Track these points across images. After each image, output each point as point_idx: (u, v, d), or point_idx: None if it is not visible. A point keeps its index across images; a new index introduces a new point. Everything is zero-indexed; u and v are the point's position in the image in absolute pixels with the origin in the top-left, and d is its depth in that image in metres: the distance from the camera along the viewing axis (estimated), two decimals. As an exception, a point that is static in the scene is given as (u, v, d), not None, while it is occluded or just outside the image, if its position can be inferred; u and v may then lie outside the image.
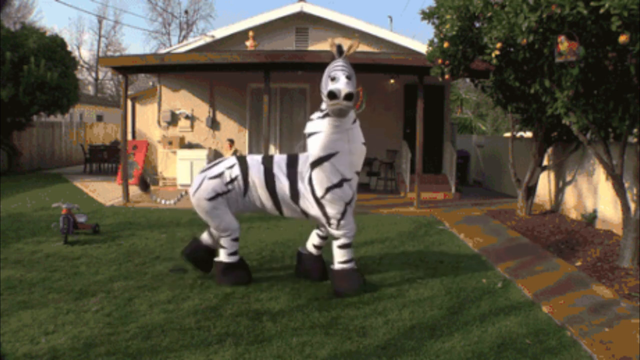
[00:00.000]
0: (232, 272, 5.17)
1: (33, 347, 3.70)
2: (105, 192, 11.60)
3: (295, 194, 5.03)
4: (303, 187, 5.01)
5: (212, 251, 5.44)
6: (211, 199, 5.04)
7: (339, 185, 4.86)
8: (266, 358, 3.62)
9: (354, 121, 4.92)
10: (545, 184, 10.30)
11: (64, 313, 4.33)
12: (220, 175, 5.09)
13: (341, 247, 5.01)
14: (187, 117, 13.16)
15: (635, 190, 6.56)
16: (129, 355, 3.61)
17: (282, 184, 5.04)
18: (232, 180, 5.07)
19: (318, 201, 4.94)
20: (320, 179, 4.87)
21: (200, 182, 5.11)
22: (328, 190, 4.86)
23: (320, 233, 5.42)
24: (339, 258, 5.02)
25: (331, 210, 4.91)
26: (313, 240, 5.48)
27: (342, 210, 4.91)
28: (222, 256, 5.18)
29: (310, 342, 3.88)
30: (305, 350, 3.73)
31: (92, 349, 3.67)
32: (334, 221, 4.94)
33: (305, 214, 5.11)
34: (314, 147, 4.81)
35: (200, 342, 3.83)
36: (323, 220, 5.02)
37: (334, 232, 5.01)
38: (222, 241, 5.17)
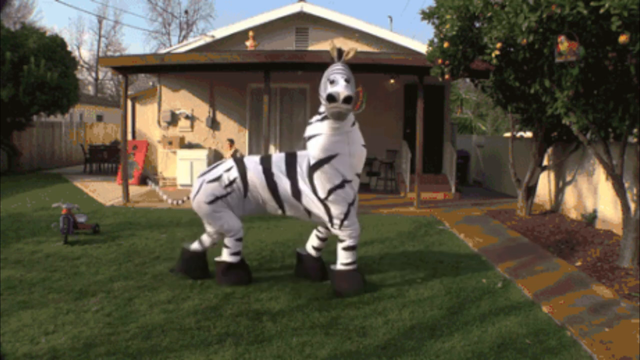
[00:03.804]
0: (233, 272, 5.16)
1: (33, 347, 3.70)
2: (105, 192, 11.60)
3: (296, 192, 5.04)
4: (304, 184, 5.02)
5: (202, 256, 5.44)
6: (210, 202, 5.07)
7: (340, 186, 4.89)
8: (266, 358, 3.62)
9: (353, 124, 4.97)
10: (545, 184, 10.30)
11: (64, 313, 4.33)
12: (218, 178, 5.11)
13: (346, 249, 5.00)
14: (187, 117, 13.16)
15: (635, 190, 6.56)
16: (129, 355, 3.61)
17: (283, 183, 5.06)
18: (230, 183, 5.09)
19: (322, 202, 4.97)
20: (322, 181, 4.90)
21: (199, 186, 5.15)
22: (331, 191, 4.89)
23: (320, 235, 5.41)
24: (342, 259, 5.01)
25: (335, 211, 4.93)
26: (312, 242, 5.47)
27: (345, 210, 4.93)
28: (225, 256, 5.16)
29: (310, 342, 3.88)
30: (305, 350, 3.73)
31: (92, 349, 3.67)
32: (337, 221, 4.94)
33: (308, 212, 5.11)
34: (314, 149, 4.85)
35: (200, 342, 3.83)
36: (326, 219, 5.02)
37: (337, 232, 5.00)
38: (226, 240, 5.17)
